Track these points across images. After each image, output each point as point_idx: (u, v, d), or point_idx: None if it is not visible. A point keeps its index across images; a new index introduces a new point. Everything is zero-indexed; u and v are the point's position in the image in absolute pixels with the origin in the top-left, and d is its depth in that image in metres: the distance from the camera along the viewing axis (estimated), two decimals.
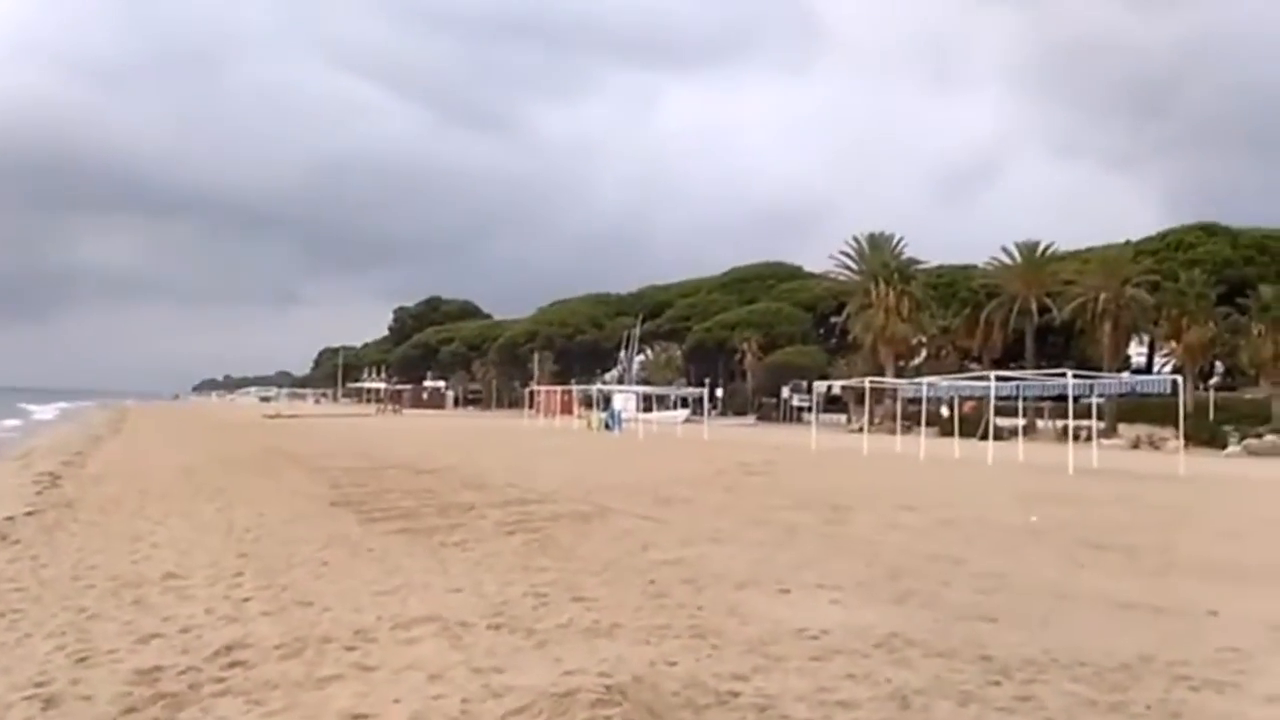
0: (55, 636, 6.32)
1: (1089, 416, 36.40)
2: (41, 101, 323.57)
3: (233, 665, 5.61)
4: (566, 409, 62.27)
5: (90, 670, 5.52)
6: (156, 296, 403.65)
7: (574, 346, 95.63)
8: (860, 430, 46.23)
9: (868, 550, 10.24)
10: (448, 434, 40.14)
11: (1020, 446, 31.45)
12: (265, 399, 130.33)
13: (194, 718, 4.78)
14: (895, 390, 47.01)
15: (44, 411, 73.54)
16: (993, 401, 32.77)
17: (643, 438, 38.38)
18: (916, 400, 40.90)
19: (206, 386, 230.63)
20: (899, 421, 41.49)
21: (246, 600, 7.32)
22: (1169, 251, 59.46)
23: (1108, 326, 51.16)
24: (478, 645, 6.08)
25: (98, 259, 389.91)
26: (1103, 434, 41.09)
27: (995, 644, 6.21)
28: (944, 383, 36.32)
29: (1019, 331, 58.28)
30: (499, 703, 4.94)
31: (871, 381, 42.83)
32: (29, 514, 12.14)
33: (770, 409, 74.55)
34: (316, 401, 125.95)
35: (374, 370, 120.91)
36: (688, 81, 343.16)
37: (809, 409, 63.56)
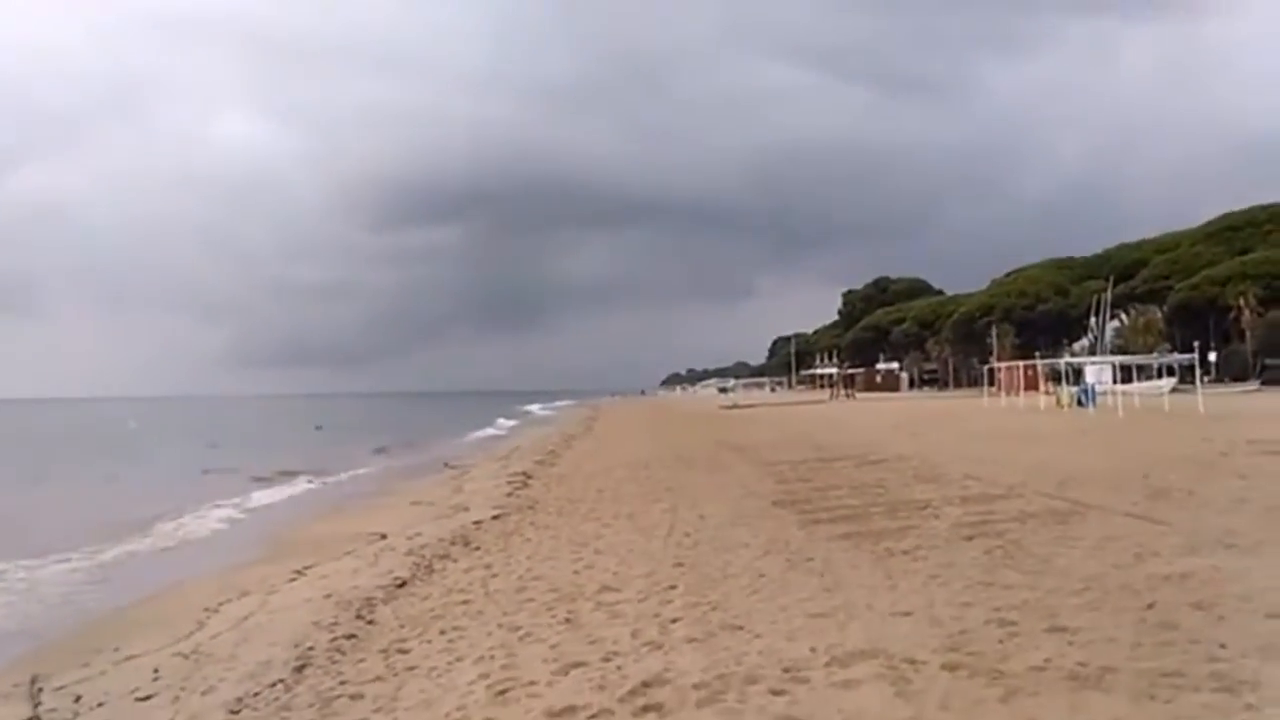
0: (484, 661, 6.19)
1: None
2: (512, 129, 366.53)
3: (647, 709, 5.02)
4: (1031, 385, 57.63)
5: (505, 708, 5.21)
6: (625, 299, 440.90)
7: (1036, 317, 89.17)
8: None
9: None
10: (901, 418, 38.64)
11: None
12: (723, 390, 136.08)
13: None
14: None
15: (532, 412, 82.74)
16: None
17: (1122, 414, 34.10)
18: None
19: (672, 381, 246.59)
20: None
21: (674, 621, 6.81)
22: None
23: None
24: (929, 693, 4.97)
25: (574, 271, 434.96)
26: None
27: None
28: None
29: None
30: None
31: None
32: (495, 517, 12.86)
33: (1276, 372, 64.32)
34: (772, 390, 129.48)
35: (825, 355, 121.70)
36: (1151, 19, 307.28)
37: None
